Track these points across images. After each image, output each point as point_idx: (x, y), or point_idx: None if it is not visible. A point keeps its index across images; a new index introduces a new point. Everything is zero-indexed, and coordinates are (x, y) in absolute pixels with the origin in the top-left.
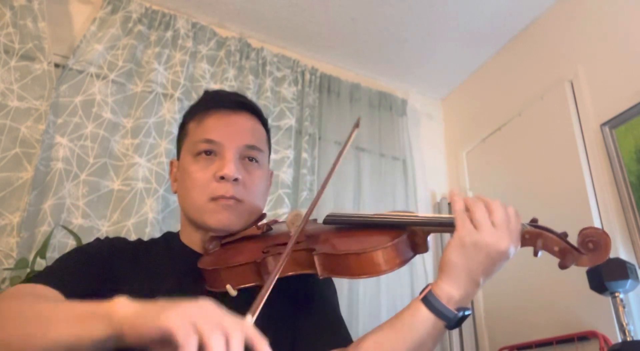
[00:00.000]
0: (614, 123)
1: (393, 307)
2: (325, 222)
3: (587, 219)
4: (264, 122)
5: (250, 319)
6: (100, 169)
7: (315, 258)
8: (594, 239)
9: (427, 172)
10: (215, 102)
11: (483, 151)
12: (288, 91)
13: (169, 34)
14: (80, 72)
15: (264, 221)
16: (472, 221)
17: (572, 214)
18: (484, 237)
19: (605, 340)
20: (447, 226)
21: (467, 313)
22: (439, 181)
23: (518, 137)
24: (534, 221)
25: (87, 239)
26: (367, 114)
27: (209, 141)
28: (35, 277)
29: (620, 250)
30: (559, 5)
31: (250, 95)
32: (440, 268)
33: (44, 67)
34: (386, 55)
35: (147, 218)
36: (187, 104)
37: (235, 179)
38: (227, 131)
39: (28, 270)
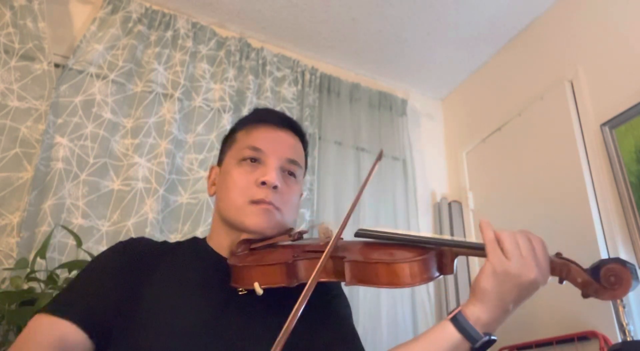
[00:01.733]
0: (614, 123)
1: (393, 309)
2: (356, 235)
3: (587, 219)
4: (304, 144)
5: None
6: (100, 169)
7: (346, 265)
8: (615, 274)
9: (427, 172)
10: (266, 117)
11: (483, 151)
12: (288, 91)
13: (169, 34)
14: (80, 72)
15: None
16: (502, 250)
17: (572, 214)
18: (514, 266)
19: (605, 340)
20: (476, 249)
21: (492, 338)
22: (439, 181)
23: (518, 137)
24: (558, 255)
25: (87, 239)
26: (367, 114)
27: (255, 149)
28: (55, 306)
29: (620, 250)
30: (559, 5)
31: (250, 95)
32: (472, 292)
33: (44, 67)
34: (386, 56)
35: (147, 218)
36: (187, 104)
37: (275, 187)
38: (273, 142)
39: (28, 270)
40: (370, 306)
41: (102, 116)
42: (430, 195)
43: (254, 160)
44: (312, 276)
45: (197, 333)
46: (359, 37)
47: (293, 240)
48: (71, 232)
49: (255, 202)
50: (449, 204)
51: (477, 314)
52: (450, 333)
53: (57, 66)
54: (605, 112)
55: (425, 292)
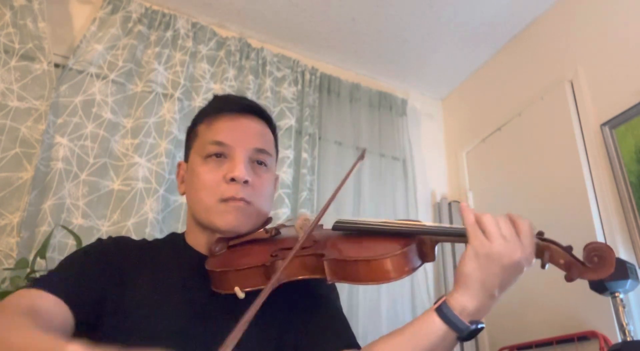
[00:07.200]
0: (614, 123)
1: (393, 308)
2: (334, 228)
3: (587, 219)
4: (272, 127)
5: None
6: (100, 169)
7: (325, 264)
8: (599, 254)
9: (427, 173)
10: (225, 105)
11: (483, 151)
12: (288, 91)
13: (169, 34)
14: (80, 72)
15: (271, 225)
16: (483, 233)
17: (572, 215)
18: (496, 248)
19: (605, 340)
20: (456, 236)
21: (479, 326)
22: (439, 181)
23: (518, 137)
24: (540, 234)
25: (87, 239)
26: (367, 114)
27: (219, 143)
28: (40, 281)
29: (620, 250)
30: (559, 5)
31: (250, 95)
32: (456, 279)
33: (44, 67)
34: (386, 56)
35: (147, 218)
36: (187, 104)
37: (246, 182)
38: (237, 133)
39: (28, 270)
40: (370, 306)
41: (102, 116)
42: (430, 195)
43: (219, 155)
44: (276, 274)
45: (177, 336)
46: (359, 37)
47: (271, 236)
48: (71, 232)
49: (225, 200)
50: (449, 204)
51: (462, 303)
52: (436, 324)
53: (57, 66)
54: (605, 112)
55: (425, 292)
